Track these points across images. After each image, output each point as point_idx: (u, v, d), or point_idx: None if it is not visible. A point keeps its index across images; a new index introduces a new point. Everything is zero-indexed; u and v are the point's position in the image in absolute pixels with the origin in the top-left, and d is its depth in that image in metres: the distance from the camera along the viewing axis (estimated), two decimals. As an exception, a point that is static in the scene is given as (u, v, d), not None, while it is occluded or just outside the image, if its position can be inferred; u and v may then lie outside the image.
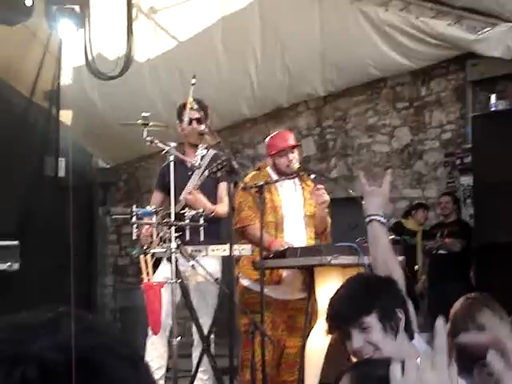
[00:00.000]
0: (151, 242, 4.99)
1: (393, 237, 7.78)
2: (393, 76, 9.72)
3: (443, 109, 9.46)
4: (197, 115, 5.42)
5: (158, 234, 4.92)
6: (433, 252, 8.82)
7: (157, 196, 5.76)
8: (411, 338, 2.63)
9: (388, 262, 2.91)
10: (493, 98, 7.98)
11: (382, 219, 3.02)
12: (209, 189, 5.43)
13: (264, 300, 4.97)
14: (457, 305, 2.81)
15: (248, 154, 11.39)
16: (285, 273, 5.28)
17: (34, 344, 0.95)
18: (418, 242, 8.87)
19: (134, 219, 4.82)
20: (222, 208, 5.37)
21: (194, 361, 5.32)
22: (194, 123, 5.51)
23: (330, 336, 3.11)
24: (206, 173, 5.11)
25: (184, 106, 5.45)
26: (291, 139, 5.63)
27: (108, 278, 13.41)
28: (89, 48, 7.97)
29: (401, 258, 5.30)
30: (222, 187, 5.38)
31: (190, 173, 5.53)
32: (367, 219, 3.02)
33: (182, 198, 5.40)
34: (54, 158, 10.10)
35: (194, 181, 5.46)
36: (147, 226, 5.06)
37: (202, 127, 5.45)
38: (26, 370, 0.92)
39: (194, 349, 5.42)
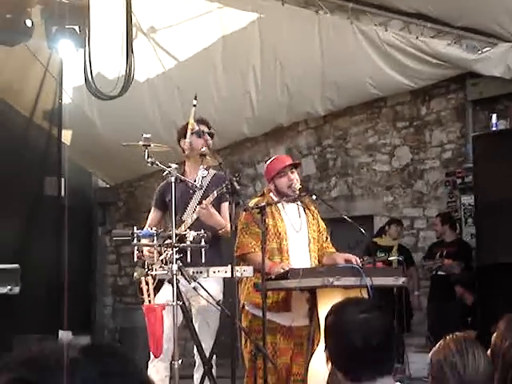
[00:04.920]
0: (153, 264, 4.96)
1: (394, 258, 7.76)
2: (393, 95, 9.73)
3: (443, 128, 9.46)
4: (202, 129, 5.41)
5: (159, 256, 4.88)
6: (432, 273, 8.80)
7: (155, 214, 5.73)
8: None
9: None
10: (494, 117, 7.98)
11: None
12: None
13: (271, 326, 4.94)
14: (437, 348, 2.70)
15: (248, 173, 11.37)
16: (293, 298, 5.23)
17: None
18: (394, 256, 8.74)
19: (135, 241, 4.78)
20: (220, 219, 5.37)
21: (196, 382, 5.27)
22: (197, 137, 5.46)
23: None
24: (215, 193, 5.07)
25: (187, 125, 5.45)
26: (289, 160, 5.62)
27: (107, 298, 13.36)
28: (88, 68, 7.95)
29: (403, 278, 5.27)
30: (225, 207, 5.35)
31: (190, 192, 5.50)
32: None
33: (185, 217, 5.36)
34: (57, 177, 10.07)
35: (196, 201, 5.43)
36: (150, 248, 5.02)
37: (208, 142, 5.40)
38: None
39: (196, 371, 5.37)
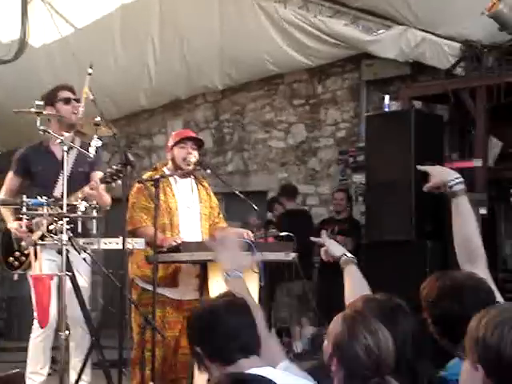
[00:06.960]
0: (42, 234, 4.87)
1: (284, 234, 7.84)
2: (290, 73, 9.83)
3: (338, 107, 9.63)
4: (68, 96, 5.36)
5: (48, 225, 4.80)
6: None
7: (15, 181, 5.51)
8: None
9: None
10: (386, 98, 8.14)
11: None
12: (80, 180, 5.28)
13: (159, 299, 4.96)
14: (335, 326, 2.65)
15: (144, 144, 11.30)
16: (181, 273, 5.25)
17: None
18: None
19: (24, 210, 4.68)
20: (107, 198, 5.34)
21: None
22: (74, 103, 5.37)
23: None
24: (107, 172, 4.95)
25: (57, 89, 5.37)
26: (192, 133, 5.71)
27: (-5, 268, 13.05)
28: (-19, 31, 7.73)
29: (294, 254, 5.34)
30: (97, 175, 5.28)
31: (57, 163, 5.29)
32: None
33: (57, 193, 5.23)
34: None
35: (67, 173, 5.16)
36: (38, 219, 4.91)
37: (78, 109, 5.29)
38: None
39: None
